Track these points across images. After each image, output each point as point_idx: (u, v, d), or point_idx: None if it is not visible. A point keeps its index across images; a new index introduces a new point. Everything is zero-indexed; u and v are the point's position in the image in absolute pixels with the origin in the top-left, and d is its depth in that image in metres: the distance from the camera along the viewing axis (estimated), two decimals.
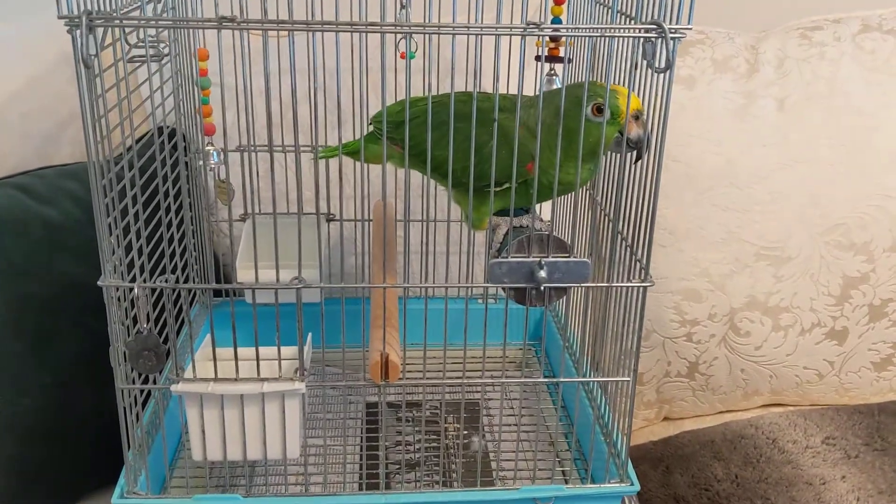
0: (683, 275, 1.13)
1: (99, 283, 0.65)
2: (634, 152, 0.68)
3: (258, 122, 1.12)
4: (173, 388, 0.67)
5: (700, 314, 1.14)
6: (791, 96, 1.13)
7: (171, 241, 0.79)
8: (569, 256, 0.66)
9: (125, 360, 0.66)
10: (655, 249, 1.14)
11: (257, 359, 0.67)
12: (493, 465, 0.86)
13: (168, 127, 0.98)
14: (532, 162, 0.69)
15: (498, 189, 0.70)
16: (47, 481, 0.92)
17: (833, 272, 1.13)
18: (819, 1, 1.30)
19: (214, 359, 0.68)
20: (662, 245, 1.13)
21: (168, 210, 0.78)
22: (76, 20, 0.57)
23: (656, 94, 0.63)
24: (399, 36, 0.88)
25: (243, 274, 0.93)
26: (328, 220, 1.02)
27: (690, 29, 0.60)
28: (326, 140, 1.00)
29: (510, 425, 0.91)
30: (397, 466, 0.86)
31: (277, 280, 0.65)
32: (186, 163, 0.97)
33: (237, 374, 0.68)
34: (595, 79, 0.83)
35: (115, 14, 0.61)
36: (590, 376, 0.85)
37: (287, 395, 0.68)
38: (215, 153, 0.96)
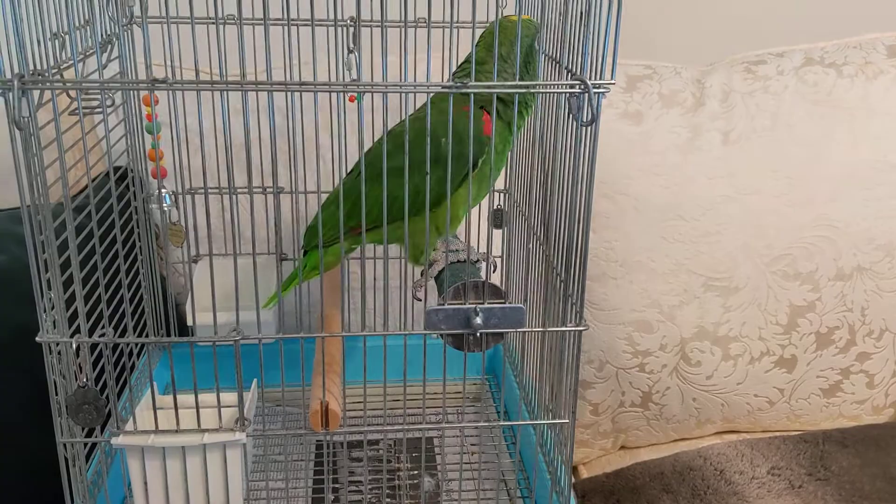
0: (634, 306, 1.15)
1: (37, 338, 0.65)
2: None
3: (209, 164, 1.13)
4: (114, 441, 0.68)
5: (651, 345, 1.15)
6: (736, 129, 1.16)
7: (117, 289, 0.80)
8: (504, 302, 0.68)
9: (66, 414, 0.67)
10: (606, 281, 1.15)
11: (197, 408, 0.68)
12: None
13: (117, 170, 0.99)
14: (486, 124, 0.72)
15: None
16: None
17: (780, 301, 1.15)
18: (764, 34, 1.33)
19: (154, 410, 0.68)
20: (613, 277, 1.15)
21: (116, 257, 0.79)
22: (8, 83, 0.57)
23: (584, 145, 0.65)
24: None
25: (198, 317, 0.94)
26: (282, 260, 1.03)
27: (613, 84, 0.62)
28: (277, 181, 1.01)
29: (456, 463, 0.92)
30: None
31: (216, 332, 0.66)
32: (140, 205, 0.98)
33: (178, 425, 0.68)
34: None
35: (46, 73, 0.62)
36: (539, 415, 0.86)
37: (228, 445, 0.69)
38: (167, 196, 0.97)
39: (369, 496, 0.88)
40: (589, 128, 0.63)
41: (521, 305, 0.67)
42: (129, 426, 0.69)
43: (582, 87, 0.62)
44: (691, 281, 1.14)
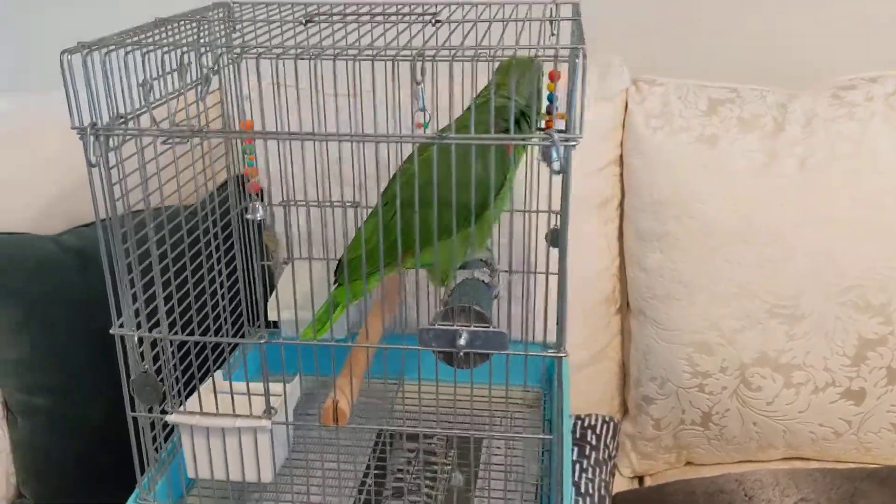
0: (695, 328, 1.17)
1: (111, 331, 0.81)
2: None
3: (297, 179, 1.27)
4: (167, 417, 0.83)
5: (711, 367, 1.17)
6: (814, 155, 1.15)
7: (213, 288, 0.95)
8: (488, 327, 0.76)
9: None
10: (670, 302, 1.19)
11: (231, 396, 0.81)
12: (476, 500, 0.96)
13: (215, 187, 1.15)
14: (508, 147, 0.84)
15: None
16: (107, 480, 1.11)
17: (848, 333, 1.13)
18: (860, 57, 1.29)
19: (199, 396, 0.82)
20: (677, 298, 1.18)
21: (209, 258, 0.94)
22: (83, 130, 0.72)
23: (561, 189, 0.72)
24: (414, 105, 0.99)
25: (278, 314, 1.08)
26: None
27: (581, 138, 0.68)
28: (354, 195, 1.13)
29: (492, 463, 1.00)
30: (390, 492, 0.98)
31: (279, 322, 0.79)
32: (238, 214, 1.13)
33: (217, 409, 0.82)
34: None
35: (128, 116, 0.76)
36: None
37: (258, 430, 0.82)
38: (260, 207, 1.12)
39: (410, 485, 0.98)
40: (559, 176, 0.70)
41: (503, 330, 0.75)
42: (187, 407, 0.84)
43: (550, 140, 0.68)
44: (755, 306, 1.15)
